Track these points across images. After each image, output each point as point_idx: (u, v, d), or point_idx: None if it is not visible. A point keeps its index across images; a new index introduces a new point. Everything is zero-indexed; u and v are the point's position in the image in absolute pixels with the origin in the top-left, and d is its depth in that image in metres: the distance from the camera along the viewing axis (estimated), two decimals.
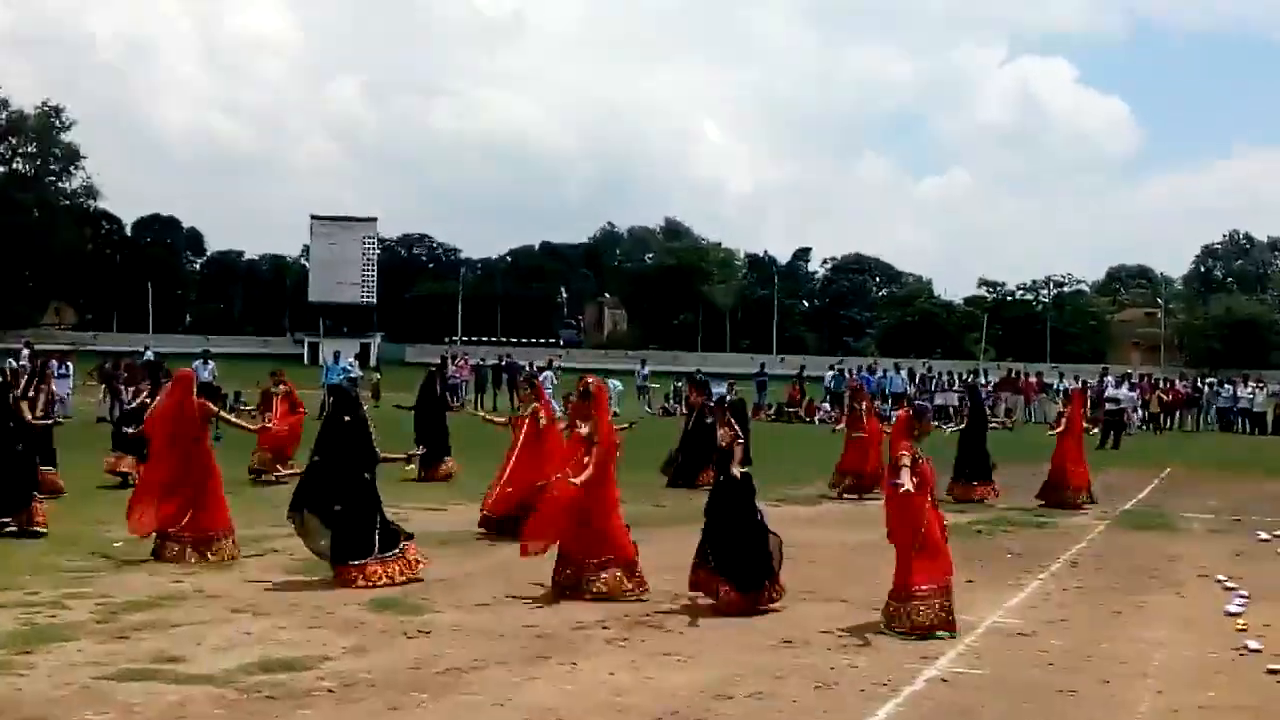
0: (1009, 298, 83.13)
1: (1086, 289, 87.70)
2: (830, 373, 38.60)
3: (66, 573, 9.23)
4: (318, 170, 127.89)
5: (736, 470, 8.60)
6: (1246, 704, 6.60)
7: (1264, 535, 13.04)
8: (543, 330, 78.99)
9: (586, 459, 8.87)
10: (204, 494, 10.09)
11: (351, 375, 30.14)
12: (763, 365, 42.26)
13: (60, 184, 73.22)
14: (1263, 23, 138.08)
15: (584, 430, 9.07)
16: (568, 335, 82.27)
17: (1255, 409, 36.11)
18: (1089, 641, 7.94)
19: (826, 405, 35.22)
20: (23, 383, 13.59)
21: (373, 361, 55.56)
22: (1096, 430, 26.24)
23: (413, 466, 15.23)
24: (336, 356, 33.21)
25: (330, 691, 6.24)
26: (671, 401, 35.82)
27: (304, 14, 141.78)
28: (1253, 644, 7.83)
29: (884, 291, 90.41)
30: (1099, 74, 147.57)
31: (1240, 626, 8.40)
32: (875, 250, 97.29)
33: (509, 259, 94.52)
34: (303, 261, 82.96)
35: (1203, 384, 39.56)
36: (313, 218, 73.63)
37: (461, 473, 16.20)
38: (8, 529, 10.82)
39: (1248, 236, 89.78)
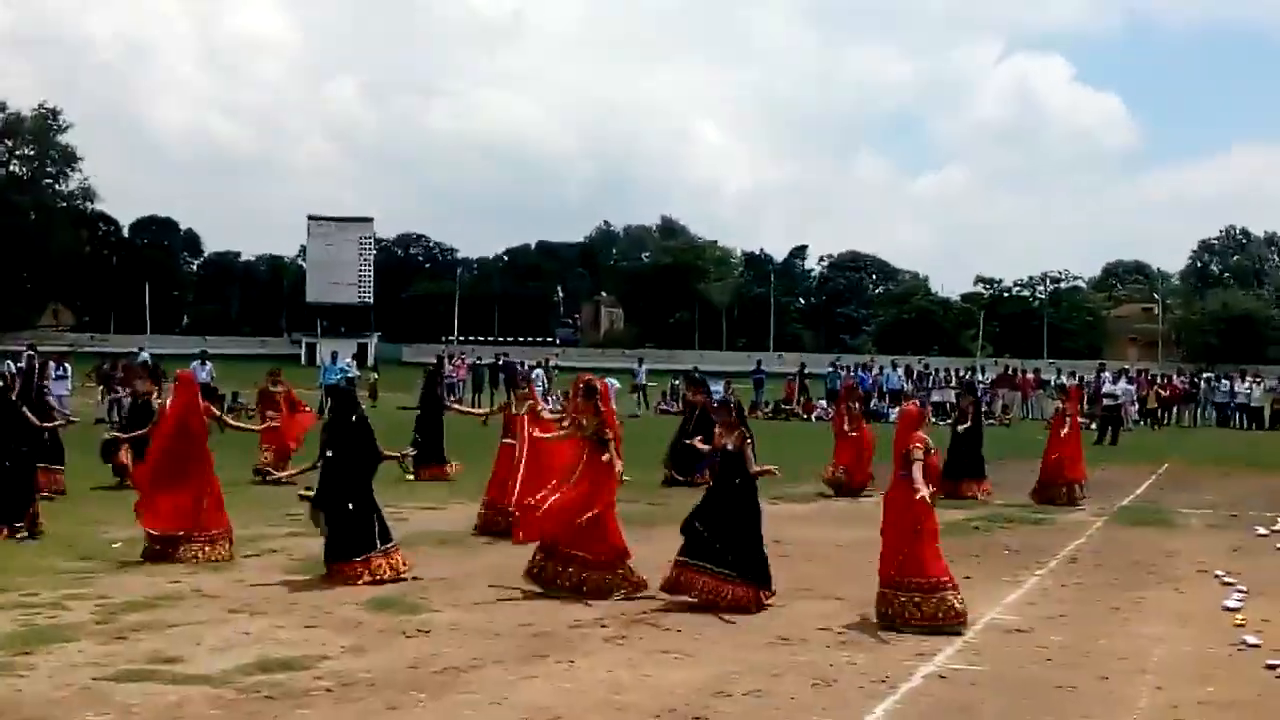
0: (1006, 294, 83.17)
1: (1083, 285, 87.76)
2: (830, 370, 38.67)
3: (65, 574, 9.23)
4: (315, 171, 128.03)
5: (758, 468, 8.69)
6: (1245, 699, 6.60)
7: (1262, 530, 13.06)
8: (540, 329, 78.98)
9: (605, 456, 8.90)
10: (208, 495, 10.13)
11: (349, 375, 30.13)
12: (759, 363, 42.27)
13: (57, 186, 73.19)
14: (1258, 19, 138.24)
15: (588, 428, 9.07)
16: (565, 334, 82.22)
17: (1252, 404, 36.13)
18: (1087, 637, 7.95)
19: (823, 403, 35.24)
20: (18, 385, 13.60)
21: (370, 361, 55.59)
22: (1094, 425, 26.34)
23: (408, 463, 15.23)
24: (334, 357, 33.19)
25: (328, 691, 6.24)
26: (669, 399, 35.75)
27: (301, 15, 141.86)
28: (1251, 639, 7.84)
29: (880, 289, 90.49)
30: (1095, 71, 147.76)
31: (1238, 622, 8.41)
32: (873, 248, 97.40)
33: (505, 258, 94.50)
34: (300, 262, 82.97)
35: (1200, 379, 39.57)
36: (309, 218, 73.60)
37: (460, 473, 16.23)
38: (20, 534, 10.83)
39: (1244, 232, 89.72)
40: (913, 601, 7.88)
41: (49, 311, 78.96)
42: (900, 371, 38.09)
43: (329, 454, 9.28)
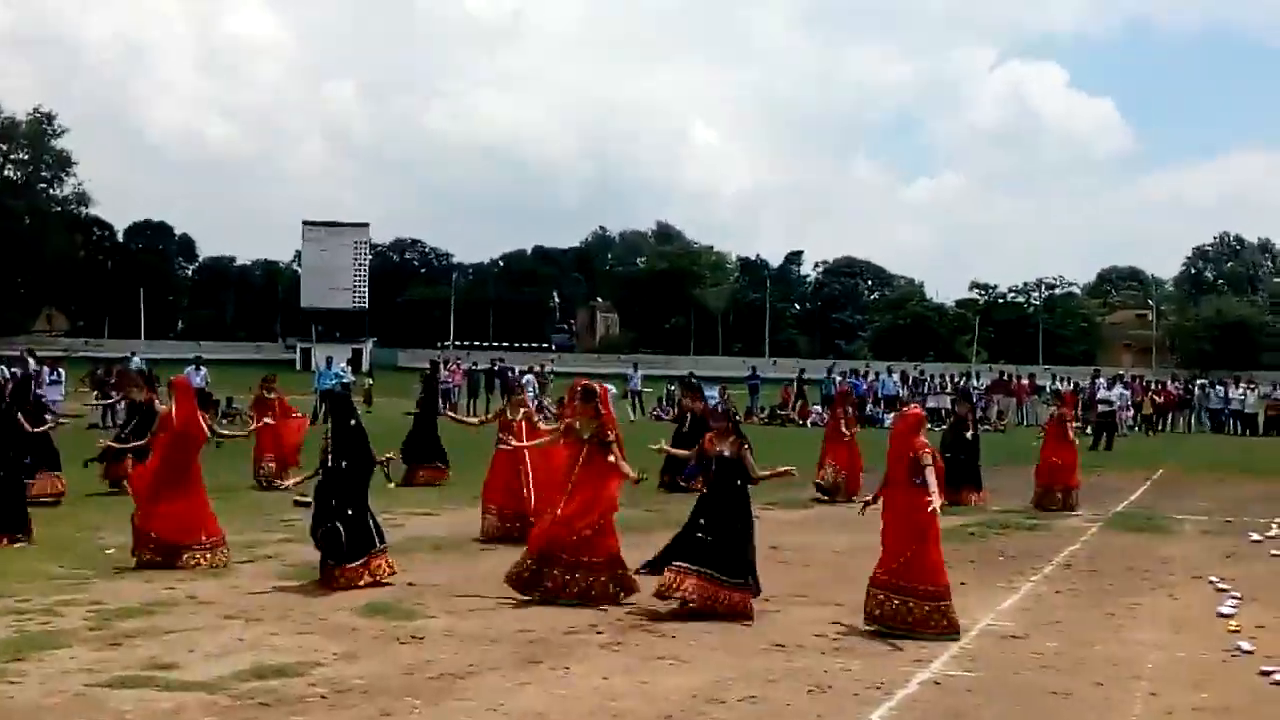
0: (1000, 300, 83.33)
1: (1078, 291, 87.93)
2: (825, 376, 38.75)
3: (58, 580, 9.21)
4: (311, 174, 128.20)
5: (769, 470, 8.75)
6: (1239, 705, 6.61)
7: (1256, 536, 13.07)
8: (535, 335, 79.04)
9: (610, 458, 8.91)
10: (202, 502, 10.14)
11: (344, 380, 30.14)
12: (754, 369, 42.30)
13: (52, 190, 73.31)
14: (1253, 25, 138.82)
15: (584, 430, 9.06)
16: (560, 339, 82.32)
17: (1246, 410, 36.26)
18: (1082, 643, 7.96)
19: (818, 408, 35.26)
20: (9, 390, 13.61)
21: (365, 367, 55.61)
22: (1089, 431, 26.39)
23: (393, 469, 15.23)
24: (329, 362, 33.36)
25: (323, 698, 6.23)
26: (665, 405, 35.68)
27: (298, 16, 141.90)
28: (1245, 645, 7.85)
29: (876, 294, 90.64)
30: (1091, 76, 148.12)
31: (1233, 628, 8.42)
32: (868, 253, 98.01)
33: (501, 264, 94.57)
34: (295, 267, 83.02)
35: (1194, 385, 39.67)
36: (305, 223, 73.63)
37: (450, 478, 16.23)
38: (19, 542, 10.81)
39: (1238, 238, 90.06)
40: (906, 605, 7.87)
41: (43, 316, 78.95)
42: (896, 377, 38.16)
43: (343, 463, 9.28)
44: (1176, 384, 40.69)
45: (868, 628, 7.99)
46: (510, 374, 35.25)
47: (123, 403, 19.64)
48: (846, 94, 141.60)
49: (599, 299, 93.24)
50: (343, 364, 35.74)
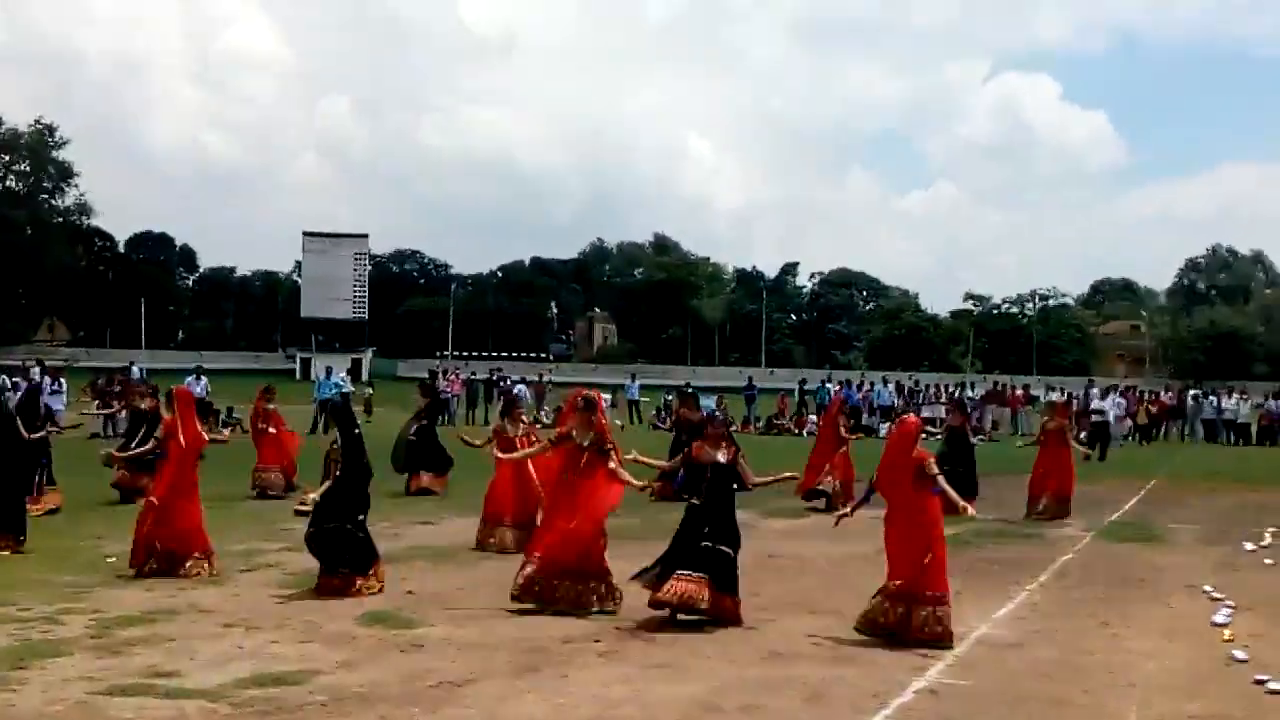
0: (995, 311, 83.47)
1: (1071, 302, 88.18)
2: (820, 385, 38.80)
3: (59, 588, 9.23)
4: (309, 187, 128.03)
5: (772, 476, 9.00)
6: (1233, 714, 6.65)
7: (1250, 545, 13.11)
8: (533, 345, 79.14)
9: (612, 465, 8.93)
10: (199, 512, 10.19)
11: (343, 390, 30.18)
12: (750, 379, 42.36)
13: (53, 201, 73.32)
14: (1245, 38, 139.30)
15: (581, 437, 9.09)
16: (558, 350, 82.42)
17: (1239, 420, 36.34)
18: (1077, 652, 8.00)
19: (814, 418, 35.28)
20: (17, 401, 13.67)
21: (365, 377, 55.64)
22: (1084, 437, 26.38)
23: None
24: (328, 372, 33.36)
25: (322, 706, 6.26)
26: (662, 415, 35.68)
27: (295, 32, 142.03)
28: (1239, 654, 7.87)
29: (871, 305, 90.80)
30: (1083, 89, 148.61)
31: (1227, 637, 8.45)
32: (863, 265, 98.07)
33: (499, 274, 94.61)
34: (295, 278, 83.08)
35: (1187, 396, 39.74)
36: (305, 234, 73.80)
37: (448, 487, 16.26)
38: (19, 550, 10.85)
39: (1230, 250, 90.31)
40: (909, 612, 7.92)
41: (44, 326, 78.93)
42: (891, 387, 38.22)
43: (354, 475, 9.32)
44: (1169, 394, 40.76)
45: (861, 636, 8.03)
46: (502, 384, 35.42)
47: (124, 412, 19.68)
48: (841, 107, 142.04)
49: (597, 310, 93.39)
50: (342, 374, 35.74)
